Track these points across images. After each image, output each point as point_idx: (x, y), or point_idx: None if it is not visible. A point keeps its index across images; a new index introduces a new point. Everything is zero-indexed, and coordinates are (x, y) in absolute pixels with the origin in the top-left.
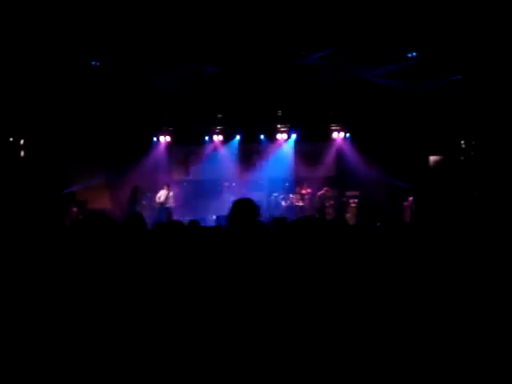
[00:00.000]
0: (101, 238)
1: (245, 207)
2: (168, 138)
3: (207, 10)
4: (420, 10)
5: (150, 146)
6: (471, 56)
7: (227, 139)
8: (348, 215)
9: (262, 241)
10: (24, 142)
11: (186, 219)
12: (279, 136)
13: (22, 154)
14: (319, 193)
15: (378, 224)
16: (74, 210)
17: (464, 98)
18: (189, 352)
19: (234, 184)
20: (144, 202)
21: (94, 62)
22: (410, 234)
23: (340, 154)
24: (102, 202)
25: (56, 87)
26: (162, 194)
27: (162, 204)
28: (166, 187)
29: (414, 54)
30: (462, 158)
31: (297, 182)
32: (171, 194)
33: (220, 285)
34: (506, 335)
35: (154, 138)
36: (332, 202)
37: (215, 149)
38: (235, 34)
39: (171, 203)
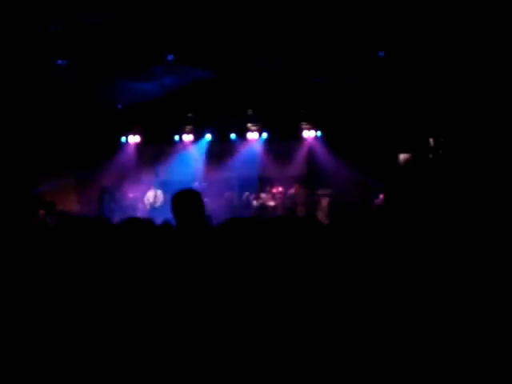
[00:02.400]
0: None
1: (187, 201)
2: (137, 138)
3: (180, 11)
4: (389, 10)
5: (119, 146)
6: (438, 54)
7: (197, 138)
8: (319, 213)
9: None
10: None
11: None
12: (250, 135)
13: None
14: (290, 191)
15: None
16: (41, 211)
17: (432, 96)
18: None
19: (204, 184)
20: (112, 204)
21: (60, 61)
22: (380, 228)
23: (311, 153)
24: (70, 203)
25: (22, 86)
26: (150, 196)
27: (152, 205)
28: (152, 187)
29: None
30: (431, 155)
31: (268, 182)
32: (159, 192)
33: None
34: (487, 330)
35: (123, 139)
36: (302, 200)
37: (185, 148)
38: (206, 34)
39: (160, 203)
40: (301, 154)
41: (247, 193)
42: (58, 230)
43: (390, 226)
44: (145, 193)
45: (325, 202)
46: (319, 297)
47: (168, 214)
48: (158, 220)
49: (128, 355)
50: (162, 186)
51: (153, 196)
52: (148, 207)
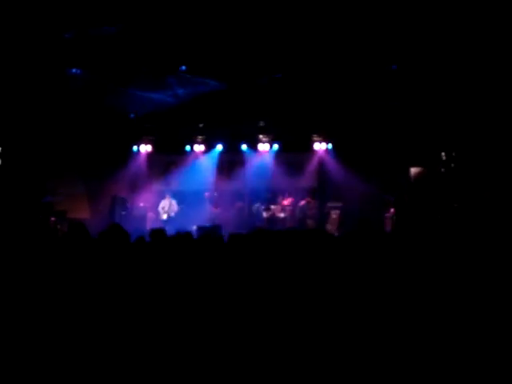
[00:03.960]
0: (79, 248)
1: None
2: (149, 148)
3: (193, 22)
4: (402, 23)
5: (131, 155)
6: (450, 68)
7: (208, 149)
8: (329, 226)
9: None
10: (1, 151)
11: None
12: (261, 146)
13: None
14: (300, 203)
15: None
16: (52, 219)
17: (444, 110)
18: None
19: (215, 194)
20: (123, 212)
21: (74, 70)
22: (391, 245)
23: (322, 165)
24: (81, 212)
25: (35, 95)
26: (165, 204)
27: (168, 214)
28: (167, 197)
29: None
30: (443, 169)
31: (278, 193)
32: (174, 201)
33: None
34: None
35: (135, 148)
36: (313, 213)
37: (196, 158)
38: (219, 45)
39: (174, 211)
40: (311, 166)
41: (257, 204)
42: (70, 236)
43: (400, 240)
44: (156, 202)
45: (335, 214)
46: (325, 308)
47: (181, 224)
48: (172, 229)
49: (134, 357)
50: (174, 195)
51: (168, 205)
52: (163, 216)
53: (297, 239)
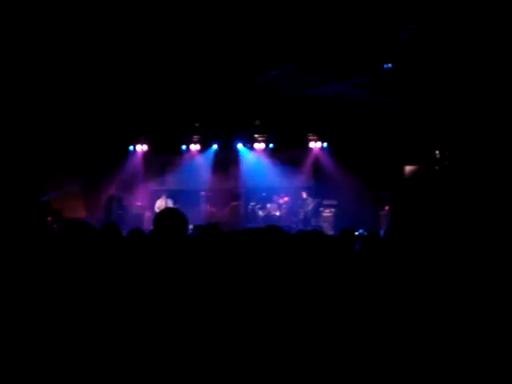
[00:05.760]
0: (77, 247)
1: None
2: (145, 147)
3: (190, 22)
4: (397, 22)
5: (127, 154)
6: (443, 66)
7: (204, 148)
8: (325, 224)
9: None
10: None
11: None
12: (257, 145)
13: None
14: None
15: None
16: (49, 219)
17: (438, 108)
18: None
19: (210, 193)
20: (120, 212)
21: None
22: (387, 243)
23: (317, 164)
24: (78, 211)
25: (31, 92)
26: (160, 204)
27: None
28: (163, 196)
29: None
30: (437, 167)
31: (274, 192)
32: (169, 201)
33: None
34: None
35: (131, 147)
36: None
37: (192, 158)
38: (213, 44)
39: None
40: (307, 165)
41: (253, 202)
42: (65, 235)
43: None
44: (152, 201)
45: (330, 212)
46: (320, 307)
47: None
48: None
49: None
50: (170, 194)
51: (163, 205)
52: None
53: (292, 238)
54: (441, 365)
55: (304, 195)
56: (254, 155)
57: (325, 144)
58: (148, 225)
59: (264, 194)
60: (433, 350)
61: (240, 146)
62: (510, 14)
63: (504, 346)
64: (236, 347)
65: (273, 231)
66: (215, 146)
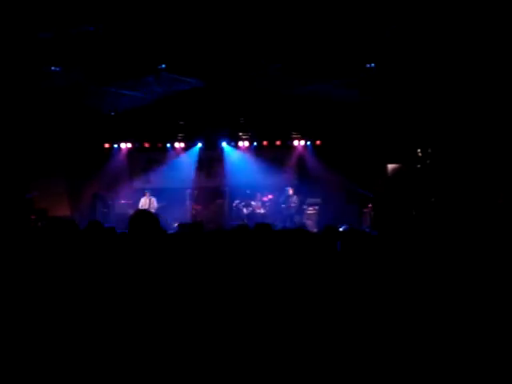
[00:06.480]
0: (61, 244)
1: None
2: (129, 145)
3: (172, 20)
4: (378, 23)
5: (111, 152)
6: (425, 66)
7: (189, 146)
8: (308, 222)
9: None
10: None
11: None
12: (241, 143)
13: None
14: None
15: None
16: (33, 217)
17: (420, 107)
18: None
19: (195, 191)
20: (105, 210)
21: (53, 68)
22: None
23: (301, 162)
24: (62, 209)
25: (13, 92)
26: (144, 203)
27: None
28: (146, 194)
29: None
30: (419, 165)
31: (258, 190)
32: (153, 199)
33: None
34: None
35: (115, 145)
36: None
37: (177, 156)
38: (198, 43)
39: (155, 208)
40: (291, 163)
41: (237, 200)
42: (47, 232)
43: (379, 234)
44: (137, 199)
45: (314, 210)
46: (312, 306)
47: (162, 222)
48: None
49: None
50: (154, 192)
51: (147, 203)
52: None
53: (280, 237)
54: (421, 355)
55: (290, 191)
56: (238, 153)
57: (308, 142)
58: None
59: (248, 192)
60: (416, 341)
61: (224, 144)
62: (491, 14)
63: (490, 336)
64: (219, 342)
65: (262, 229)
66: (200, 144)
